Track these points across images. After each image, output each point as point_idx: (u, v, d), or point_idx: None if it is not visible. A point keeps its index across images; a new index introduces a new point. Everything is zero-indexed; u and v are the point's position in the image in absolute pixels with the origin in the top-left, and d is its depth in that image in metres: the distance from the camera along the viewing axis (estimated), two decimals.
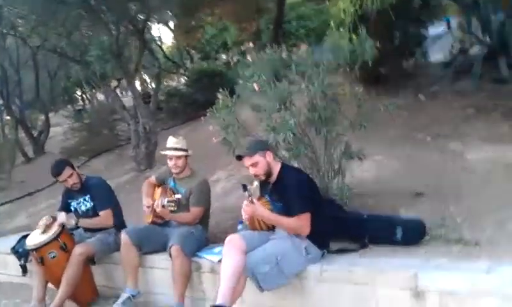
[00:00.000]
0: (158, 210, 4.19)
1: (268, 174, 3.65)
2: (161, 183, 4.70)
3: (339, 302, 3.44)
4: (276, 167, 3.69)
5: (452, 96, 7.30)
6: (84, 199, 4.77)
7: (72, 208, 4.81)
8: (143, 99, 10.86)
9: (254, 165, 3.63)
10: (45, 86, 13.74)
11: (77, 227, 4.79)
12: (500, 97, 6.70)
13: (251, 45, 4.59)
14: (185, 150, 4.52)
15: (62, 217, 4.60)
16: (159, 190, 4.61)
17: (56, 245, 4.43)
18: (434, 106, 7.14)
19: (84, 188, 4.78)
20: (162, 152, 4.60)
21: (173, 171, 4.49)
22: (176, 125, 11.35)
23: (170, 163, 4.48)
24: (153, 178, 4.80)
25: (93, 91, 16.18)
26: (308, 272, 3.56)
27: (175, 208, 4.16)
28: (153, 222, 4.47)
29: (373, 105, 4.52)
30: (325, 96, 4.16)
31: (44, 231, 4.52)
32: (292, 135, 3.99)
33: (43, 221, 4.55)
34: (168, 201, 4.14)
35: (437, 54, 9.20)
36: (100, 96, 15.25)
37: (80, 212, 4.77)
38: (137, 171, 8.39)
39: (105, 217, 4.69)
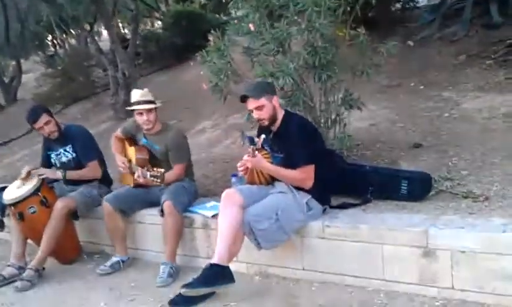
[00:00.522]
0: (141, 180, 3.83)
1: (273, 119, 3.40)
2: (128, 136, 4.38)
3: (342, 261, 3.26)
4: (280, 114, 3.43)
5: (442, 43, 7.10)
6: (65, 150, 4.43)
7: (52, 161, 4.49)
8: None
9: (259, 108, 3.36)
10: (15, 30, 13.02)
11: (56, 179, 4.50)
12: (492, 44, 6.53)
13: None
14: (154, 102, 4.14)
15: (47, 172, 4.29)
16: (132, 148, 4.26)
17: (36, 199, 4.12)
18: (425, 53, 6.92)
19: (64, 137, 4.43)
20: (130, 108, 4.18)
21: (145, 127, 4.11)
22: (154, 71, 10.95)
23: (141, 119, 4.08)
24: (119, 132, 4.44)
25: (65, 36, 15.44)
26: (309, 229, 3.35)
27: (160, 183, 3.76)
28: (135, 186, 4.13)
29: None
30: (325, 39, 3.87)
31: (23, 184, 4.21)
32: (291, 80, 3.71)
33: (24, 171, 4.23)
34: (152, 176, 3.74)
35: None
36: (72, 42, 14.55)
37: (59, 164, 4.44)
38: (115, 120, 8.04)
39: (93, 168, 4.38)
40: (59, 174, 4.31)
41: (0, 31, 11.95)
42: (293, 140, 3.29)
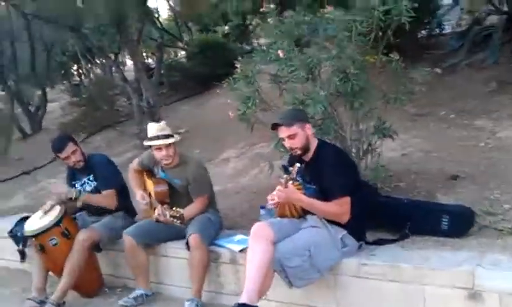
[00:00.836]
0: (161, 219, 3.69)
1: (305, 148, 3.24)
2: (147, 170, 4.22)
3: (380, 302, 3.05)
4: (314, 143, 3.27)
5: (471, 70, 6.89)
6: (89, 179, 4.32)
7: None
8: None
9: (291, 137, 3.21)
10: (41, 59, 13.19)
11: (80, 209, 4.38)
12: None
13: (271, 6, 4.05)
14: (173, 135, 3.97)
15: (60, 188, 4.18)
16: (150, 181, 4.10)
17: (57, 231, 4.00)
18: (453, 80, 6.72)
19: (88, 167, 4.33)
20: (147, 143, 3.97)
21: (165, 162, 3.95)
22: (178, 100, 10.90)
23: (159, 154, 3.90)
24: (135, 164, 4.28)
25: (90, 65, 15.59)
26: (343, 267, 3.16)
27: (180, 223, 3.63)
28: (157, 221, 3.88)
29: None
30: (356, 65, 3.72)
31: (45, 215, 4.09)
32: (322, 108, 3.55)
33: (49, 204, 4.12)
34: (171, 216, 3.61)
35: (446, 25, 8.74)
36: (97, 71, 14.64)
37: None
38: (140, 149, 7.89)
39: (108, 196, 4.23)
40: (73, 193, 4.18)
41: (25, 61, 12.13)
42: (328, 170, 3.12)
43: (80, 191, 4.20)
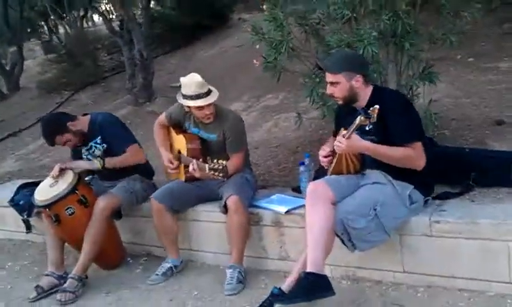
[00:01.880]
0: (196, 175, 3.31)
1: (349, 100, 2.88)
2: (176, 124, 3.79)
3: (455, 262, 2.76)
4: (366, 91, 2.89)
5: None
6: (96, 142, 3.84)
7: (84, 157, 3.89)
8: (121, 27, 9.74)
9: (333, 84, 2.85)
10: (14, 16, 12.34)
11: (90, 173, 3.96)
12: None
13: None
14: (212, 90, 3.51)
15: (81, 164, 3.75)
16: (181, 137, 3.67)
17: (74, 198, 3.58)
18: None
19: (93, 129, 3.84)
20: (188, 104, 3.46)
21: (206, 121, 3.55)
22: (164, 53, 10.35)
23: (200, 113, 3.48)
24: (163, 118, 3.83)
25: (60, 20, 14.69)
26: (411, 226, 2.84)
27: (222, 176, 3.21)
28: (187, 179, 3.58)
29: None
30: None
31: (56, 182, 3.67)
32: (373, 51, 3.17)
33: (56, 169, 3.68)
34: (211, 169, 3.17)
35: None
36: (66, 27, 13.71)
37: (93, 158, 3.87)
38: (134, 105, 7.47)
39: (135, 152, 3.78)
40: (96, 163, 3.76)
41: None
42: (393, 115, 2.74)
43: (103, 159, 3.75)
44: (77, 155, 3.94)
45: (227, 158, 3.45)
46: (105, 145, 3.83)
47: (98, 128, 3.84)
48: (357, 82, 2.85)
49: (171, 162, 3.62)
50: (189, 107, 3.48)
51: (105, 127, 3.85)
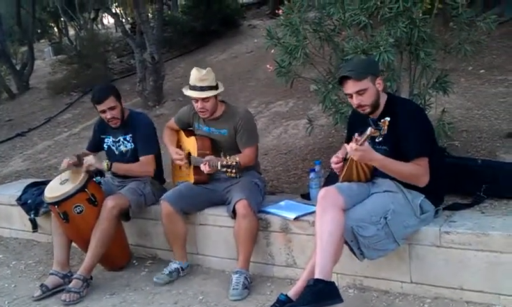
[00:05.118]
0: (208, 169, 3.34)
1: (375, 106, 2.84)
2: (185, 126, 3.82)
3: (463, 274, 2.74)
4: (383, 99, 2.88)
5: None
6: (125, 139, 3.84)
7: (105, 146, 3.90)
8: (132, 30, 9.78)
9: (360, 92, 2.79)
10: (26, 15, 12.41)
11: (101, 173, 3.96)
12: None
13: None
14: (215, 87, 3.52)
15: (90, 159, 3.73)
16: (191, 139, 3.70)
17: (83, 197, 3.56)
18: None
19: (127, 125, 3.83)
20: (184, 91, 3.57)
21: (201, 116, 3.58)
22: (174, 57, 10.38)
23: (195, 105, 3.56)
24: (172, 122, 3.88)
25: (71, 22, 14.77)
26: (420, 235, 2.82)
27: (235, 174, 3.21)
28: (196, 182, 3.60)
29: None
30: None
31: (66, 179, 3.67)
32: (389, 58, 3.15)
33: (64, 164, 3.68)
34: (224, 166, 3.18)
35: None
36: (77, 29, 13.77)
37: (117, 153, 3.87)
38: (143, 108, 7.46)
39: (146, 163, 3.77)
40: (104, 165, 3.75)
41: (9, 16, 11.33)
42: (402, 128, 2.74)
43: (111, 162, 3.76)
44: (99, 141, 3.96)
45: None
46: (133, 145, 3.83)
47: (132, 126, 3.84)
48: (380, 84, 2.84)
49: (180, 155, 3.63)
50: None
51: (141, 129, 3.84)
